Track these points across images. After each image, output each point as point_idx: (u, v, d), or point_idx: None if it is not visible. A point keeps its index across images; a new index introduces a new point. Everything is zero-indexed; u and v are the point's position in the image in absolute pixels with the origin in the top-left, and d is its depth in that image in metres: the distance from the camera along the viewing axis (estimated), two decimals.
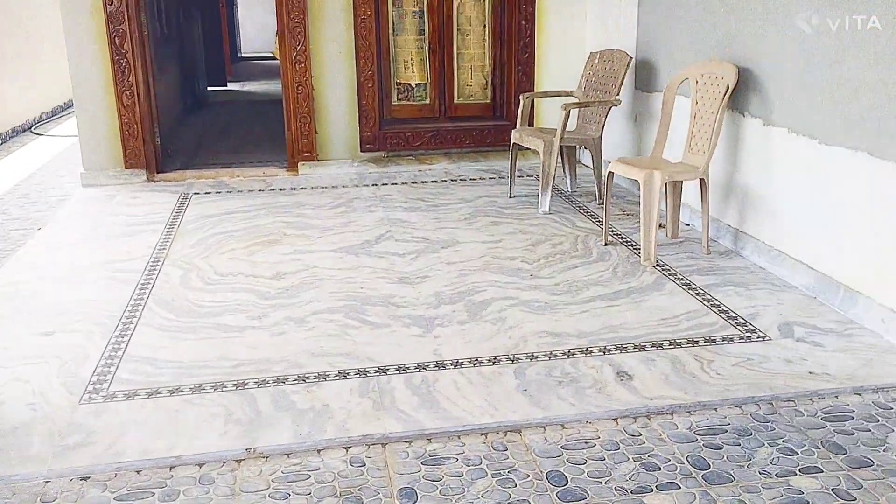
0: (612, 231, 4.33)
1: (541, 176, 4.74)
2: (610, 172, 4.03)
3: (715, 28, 4.07)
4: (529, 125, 5.25)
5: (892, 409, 2.50)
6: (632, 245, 4.15)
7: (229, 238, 4.38)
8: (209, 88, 10.13)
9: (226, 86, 11.20)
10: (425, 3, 5.87)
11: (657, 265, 3.80)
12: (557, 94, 5.26)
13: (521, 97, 5.12)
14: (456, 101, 6.13)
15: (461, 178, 5.72)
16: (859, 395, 2.58)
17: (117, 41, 5.35)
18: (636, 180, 3.96)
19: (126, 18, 5.33)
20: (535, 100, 5.78)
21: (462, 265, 3.91)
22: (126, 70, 5.41)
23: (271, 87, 11.50)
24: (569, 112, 4.62)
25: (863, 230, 3.07)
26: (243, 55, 15.75)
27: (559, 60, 5.94)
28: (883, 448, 2.29)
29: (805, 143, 3.39)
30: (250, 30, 16.68)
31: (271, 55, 15.79)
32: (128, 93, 5.45)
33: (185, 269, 3.89)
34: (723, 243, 4.08)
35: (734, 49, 3.88)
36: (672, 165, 3.94)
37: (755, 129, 3.75)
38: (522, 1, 5.76)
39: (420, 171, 5.93)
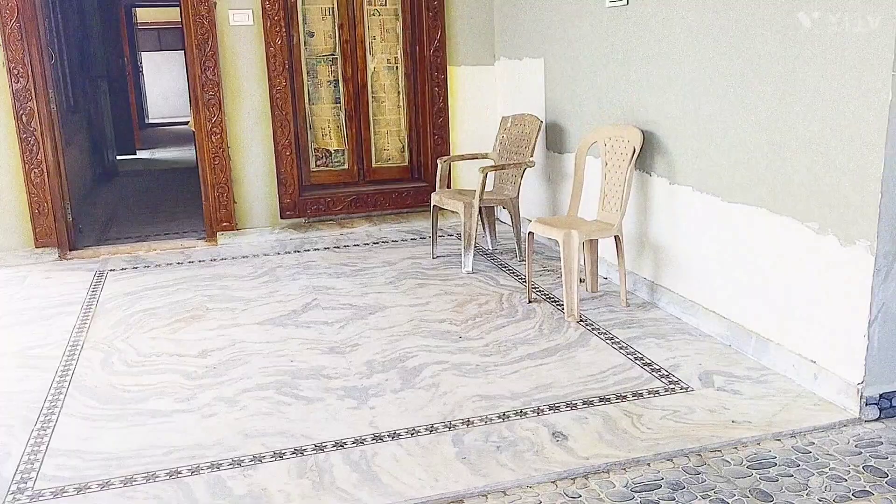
0: (535, 288, 4.46)
1: (462, 237, 4.86)
2: (530, 232, 4.17)
3: (618, 95, 4.32)
4: (448, 187, 5.38)
5: (809, 452, 2.66)
6: (555, 301, 4.28)
7: (150, 316, 4.28)
8: (119, 157, 9.93)
9: (135, 154, 11.00)
10: (340, 72, 5.99)
11: (581, 320, 3.94)
12: (474, 156, 5.43)
13: (438, 161, 5.26)
14: (374, 164, 6.23)
15: (383, 240, 5.78)
16: (779, 440, 2.74)
17: (25, 119, 5.22)
18: (546, 237, 4.11)
19: (33, 95, 5.22)
20: (453, 162, 5.94)
21: (391, 331, 3.94)
22: (34, 148, 5.27)
23: (181, 153, 11.37)
24: (486, 175, 4.77)
25: (767, 281, 3.29)
26: (151, 121, 15.51)
27: (472, 123, 6.14)
28: (805, 492, 2.42)
29: (709, 200, 3.62)
30: (157, 96, 16.48)
31: (179, 121, 15.62)
32: (37, 170, 5.31)
33: (105, 352, 3.77)
34: (640, 295, 4.26)
35: (638, 114, 4.13)
36: (588, 224, 4.12)
37: (663, 188, 3.98)
38: (434, 69, 5.96)
39: (342, 235, 5.97)
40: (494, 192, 5.11)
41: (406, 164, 6.29)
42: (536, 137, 4.96)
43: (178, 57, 16.53)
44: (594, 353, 3.55)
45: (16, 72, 5.15)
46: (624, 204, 3.99)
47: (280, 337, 3.92)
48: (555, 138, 5.18)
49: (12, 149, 5.25)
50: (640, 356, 3.48)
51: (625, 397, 3.08)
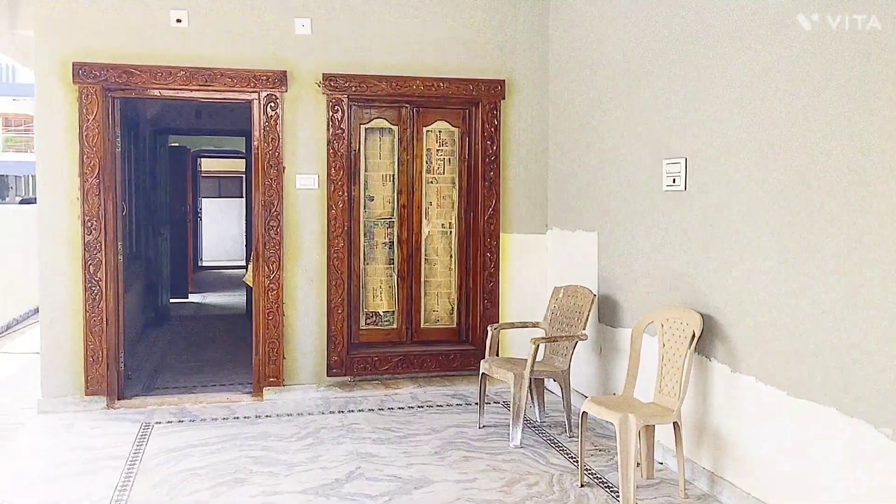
0: (588, 471, 4.30)
1: (511, 409, 4.77)
2: (583, 412, 4.08)
3: (676, 276, 4.34)
4: (496, 354, 5.35)
5: None
6: (608, 486, 4.11)
7: (193, 477, 4.20)
8: (172, 300, 10.17)
9: (187, 297, 11.26)
10: (395, 234, 6.16)
11: None
12: (524, 325, 5.44)
13: (489, 328, 5.27)
14: (423, 325, 6.26)
15: (428, 404, 5.70)
16: None
17: (92, 269, 5.42)
18: (611, 422, 4.01)
19: (103, 247, 5.45)
20: (502, 329, 5.94)
21: None
22: (97, 297, 5.44)
23: (230, 298, 11.61)
24: (538, 346, 4.75)
25: (835, 486, 3.12)
26: (204, 264, 16.00)
27: (522, 290, 6.19)
28: None
29: (773, 392, 3.52)
30: (212, 239, 17.10)
31: (231, 265, 16.09)
32: (96, 319, 5.44)
33: None
34: (699, 486, 4.07)
35: (697, 296, 4.13)
36: (645, 407, 4.02)
37: (723, 375, 3.90)
38: (487, 235, 6.10)
39: (387, 395, 5.91)
40: (545, 363, 5.06)
41: (454, 325, 6.31)
42: (589, 311, 4.97)
43: (233, 204, 17.31)
44: None
45: (90, 224, 5.40)
46: (683, 389, 3.90)
47: None
48: (608, 312, 5.18)
49: (77, 297, 5.42)
50: None
51: None
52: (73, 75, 5.34)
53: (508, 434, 4.92)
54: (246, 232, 10.47)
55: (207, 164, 15.92)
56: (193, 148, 12.29)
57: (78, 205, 5.40)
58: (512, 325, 5.40)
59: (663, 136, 4.49)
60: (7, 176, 33.74)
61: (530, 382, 4.90)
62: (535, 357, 4.74)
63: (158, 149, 9.11)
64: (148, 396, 5.77)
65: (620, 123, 5.00)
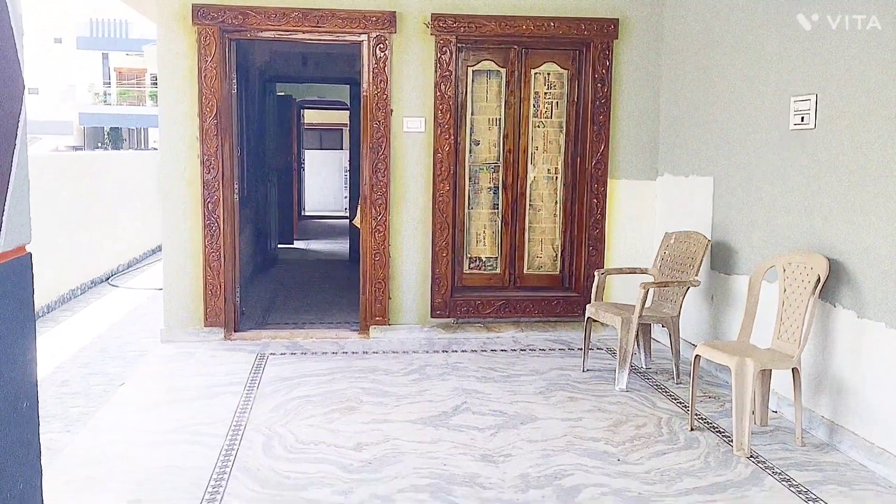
0: (698, 415, 4.22)
1: (618, 353, 4.72)
2: (697, 356, 3.99)
3: (799, 220, 4.15)
4: (600, 300, 5.28)
5: None
6: (719, 431, 4.02)
7: (307, 403, 4.38)
8: (278, 246, 10.53)
9: (292, 244, 11.63)
10: (500, 180, 6.14)
11: (751, 456, 3.66)
12: (632, 270, 5.34)
13: (596, 272, 5.20)
14: (526, 271, 6.24)
15: (531, 347, 5.72)
16: None
17: (210, 207, 5.66)
18: (716, 362, 3.91)
19: (220, 186, 5.66)
20: (608, 275, 5.85)
21: (544, 444, 3.82)
22: (215, 234, 5.68)
23: (334, 245, 11.91)
24: (647, 291, 4.66)
25: None
26: (307, 214, 16.45)
27: (628, 237, 6.07)
28: None
29: None
30: (313, 191, 17.53)
31: (331, 215, 16.47)
32: (215, 255, 5.69)
33: (266, 436, 3.87)
34: (816, 434, 3.94)
35: (823, 241, 3.93)
36: (763, 353, 3.89)
37: (848, 322, 3.72)
38: (594, 181, 5.99)
39: (489, 338, 5.96)
40: (653, 310, 4.96)
41: (557, 272, 6.27)
42: (703, 257, 4.83)
43: (334, 156, 17.65)
44: (769, 494, 3.27)
45: (208, 163, 5.62)
46: (805, 335, 3.75)
47: (432, 438, 3.89)
48: (721, 259, 5.02)
49: (197, 233, 5.68)
50: None
51: None
52: (192, 17, 5.51)
53: (613, 378, 4.88)
54: (350, 181, 10.64)
55: (309, 117, 16.26)
56: (298, 98, 12.55)
57: (197, 145, 5.62)
58: (620, 271, 5.31)
59: (791, 71, 4.25)
60: (121, 129, 35.48)
61: (638, 328, 4.83)
62: (643, 302, 4.65)
63: (267, 97, 9.35)
64: (261, 330, 6.03)
65: (742, 61, 4.77)
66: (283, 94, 11.35)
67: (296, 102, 12.32)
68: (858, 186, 3.68)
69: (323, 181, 17.84)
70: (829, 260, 3.78)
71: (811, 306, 3.76)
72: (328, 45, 7.48)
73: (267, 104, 9.41)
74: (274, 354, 5.41)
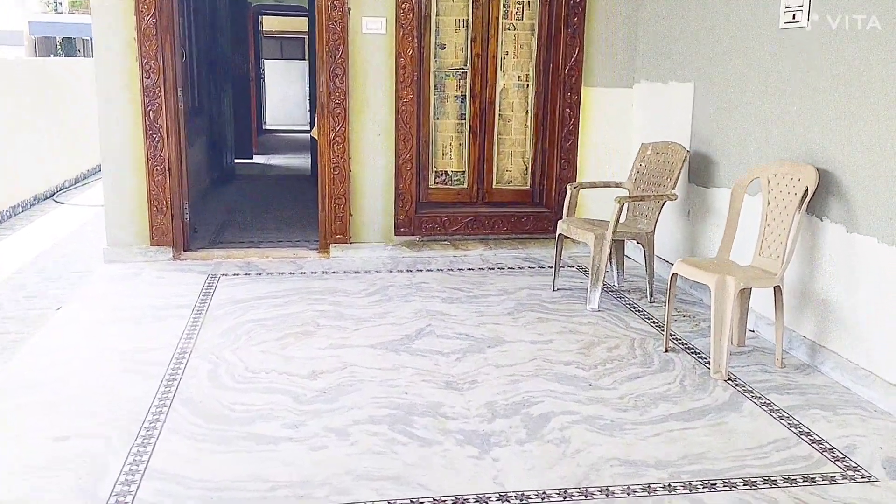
0: (672, 336, 4.02)
1: (590, 271, 4.47)
2: (673, 274, 3.75)
3: (786, 128, 3.85)
4: (573, 214, 5.00)
5: None
6: (695, 352, 3.83)
7: (260, 328, 4.09)
8: (236, 160, 10.03)
9: (252, 159, 11.12)
10: (468, 88, 5.73)
11: (728, 379, 3.48)
12: (606, 184, 5.04)
13: (568, 186, 4.90)
14: (494, 186, 5.92)
15: (499, 266, 5.46)
16: None
17: (152, 115, 5.19)
18: (694, 280, 3.68)
19: (162, 92, 5.19)
20: (581, 189, 5.56)
21: (512, 369, 3.60)
22: (159, 145, 5.24)
23: (296, 161, 11.43)
24: (622, 205, 4.38)
25: None
26: (268, 127, 15.80)
27: (603, 149, 5.75)
28: None
29: None
30: (275, 103, 16.80)
31: (294, 129, 15.84)
32: (159, 168, 5.27)
33: (213, 364, 3.59)
34: (796, 355, 3.76)
35: (812, 150, 3.65)
36: (744, 270, 3.66)
37: (836, 236, 3.48)
38: (567, 89, 5.61)
39: (455, 257, 5.68)
40: (628, 225, 4.70)
41: (528, 187, 5.95)
42: (681, 169, 4.53)
43: (296, 66, 16.84)
44: (750, 420, 3.09)
45: (147, 67, 5.13)
46: (789, 251, 3.51)
47: (393, 364, 3.64)
48: (700, 171, 4.73)
49: (137, 144, 5.23)
50: (807, 431, 3.00)
51: (794, 481, 2.62)
52: None
53: (585, 297, 4.65)
54: (310, 93, 10.02)
55: (269, 23, 15.39)
56: (254, 2, 11.79)
57: (135, 46, 5.11)
58: (593, 185, 5.00)
59: None
60: (74, 39, 33.78)
61: (611, 244, 4.57)
62: (618, 217, 4.38)
63: (217, 0, 8.68)
64: (214, 249, 5.67)
65: None
66: None
67: (252, 7, 11.57)
68: (852, 91, 3.37)
69: (284, 93, 17.09)
70: (818, 170, 3.50)
71: (797, 221, 3.51)
72: None
73: (219, 7, 8.75)
74: (227, 276, 5.09)
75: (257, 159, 11.38)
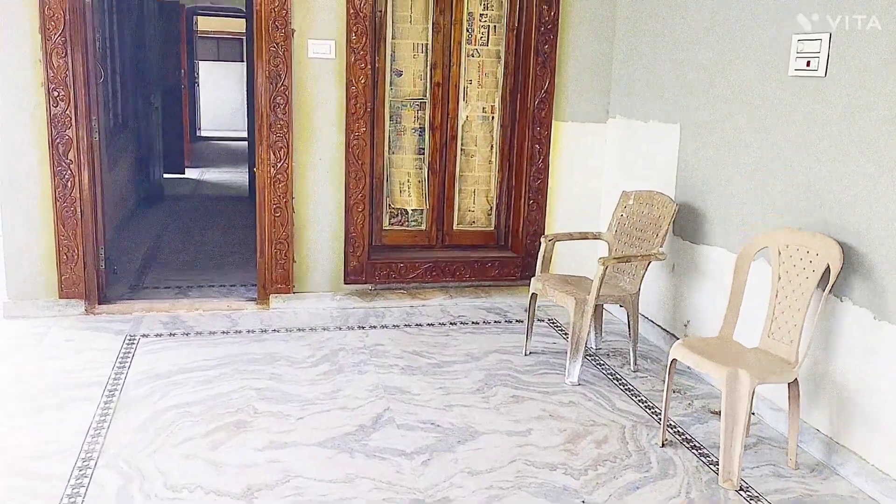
0: (669, 426, 3.51)
1: (570, 340, 3.94)
2: (673, 359, 3.24)
3: (796, 186, 3.39)
4: (547, 269, 4.47)
5: None
6: (695, 447, 3.34)
7: (185, 417, 3.43)
8: (166, 176, 9.22)
9: (183, 173, 10.30)
10: (427, 119, 5.14)
11: (741, 488, 2.99)
12: (584, 236, 4.53)
13: (542, 240, 4.36)
14: (456, 227, 5.36)
15: (462, 319, 4.90)
16: None
17: (61, 149, 4.46)
18: (697, 370, 3.19)
19: (73, 122, 4.45)
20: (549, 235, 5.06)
21: (490, 477, 3.03)
22: (69, 183, 4.50)
23: (232, 175, 10.67)
24: (606, 268, 3.87)
25: None
26: (203, 134, 14.91)
27: (575, 189, 5.25)
28: None
29: None
30: (211, 107, 15.90)
31: (232, 136, 14.97)
32: (69, 209, 4.53)
33: (125, 477, 2.92)
34: (808, 450, 3.30)
35: (827, 215, 3.19)
36: (752, 356, 3.17)
37: (860, 321, 3.03)
38: (536, 123, 5.08)
39: (413, 307, 5.10)
40: (609, 284, 4.19)
41: (492, 229, 5.41)
42: (669, 225, 4.05)
43: (235, 68, 15.96)
44: None
45: (56, 93, 4.39)
46: (807, 341, 3.05)
47: (346, 473, 3.03)
48: (687, 224, 4.26)
49: (43, 183, 4.49)
50: None
51: None
52: None
53: (561, 365, 4.14)
54: (248, 98, 9.20)
55: (204, 24, 14.53)
56: (188, 4, 10.96)
57: (40, 69, 4.37)
58: (570, 237, 4.48)
59: (797, 1, 3.41)
60: None
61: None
62: (602, 280, 3.86)
63: (145, 4, 7.88)
64: (134, 300, 4.95)
65: None
66: None
67: (185, 9, 10.74)
68: (877, 150, 2.92)
69: (222, 96, 16.18)
70: (841, 246, 3.04)
71: (816, 305, 3.05)
72: None
73: (146, 13, 7.95)
74: (148, 336, 4.39)
75: (190, 174, 10.58)
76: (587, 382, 3.99)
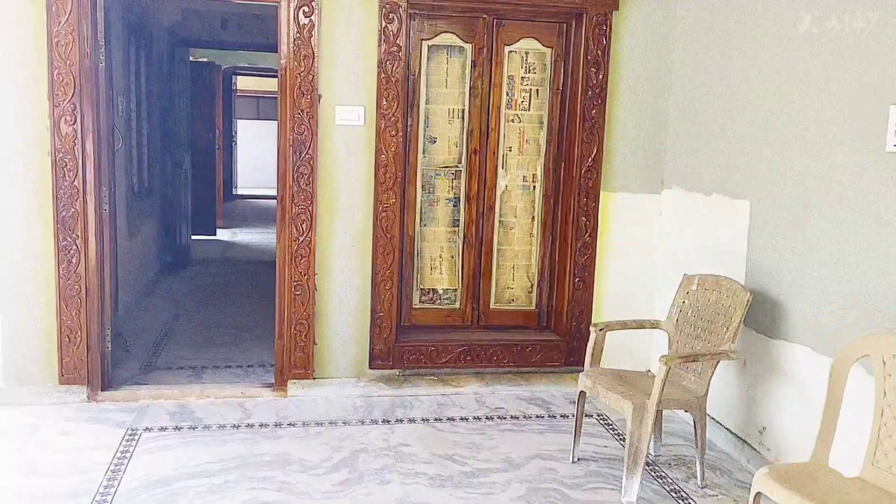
0: None
1: (627, 452, 3.39)
2: (757, 493, 2.68)
3: None
4: (597, 362, 3.93)
5: None
6: None
7: None
8: (195, 237, 8.94)
9: (215, 234, 10.03)
10: (462, 189, 4.72)
11: None
12: (640, 325, 4.01)
13: (592, 329, 3.84)
14: (493, 306, 4.87)
15: (500, 413, 4.37)
16: None
17: (66, 223, 4.12)
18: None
19: (81, 193, 4.12)
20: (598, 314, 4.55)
21: None
22: (74, 259, 4.15)
23: (265, 237, 10.38)
24: (669, 369, 3.33)
25: None
26: (239, 192, 14.77)
27: (625, 267, 4.74)
28: None
29: None
30: (249, 165, 15.80)
31: (269, 195, 14.81)
32: (74, 287, 4.17)
33: None
34: None
35: None
36: (859, 494, 2.60)
37: None
38: (583, 193, 4.62)
39: (444, 396, 4.59)
40: (672, 384, 3.64)
41: (533, 308, 4.91)
42: (742, 316, 3.51)
43: (273, 127, 15.90)
44: None
45: (63, 164, 4.07)
46: None
47: None
48: (760, 313, 3.71)
49: (45, 259, 4.14)
50: None
51: None
52: None
53: (615, 477, 3.59)
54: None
55: (244, 83, 14.54)
56: (225, 65, 10.87)
57: (47, 138, 4.06)
58: (624, 326, 3.95)
59: (891, 63, 2.92)
60: None
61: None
62: (664, 382, 3.33)
63: (177, 64, 7.70)
64: (141, 386, 4.53)
65: (804, 45, 3.42)
66: (205, 59, 9.68)
67: (220, 70, 10.64)
68: None
69: (259, 155, 16.09)
70: None
71: None
72: (249, 4, 5.95)
73: (177, 73, 7.76)
74: (151, 431, 3.95)
75: (221, 234, 10.30)
76: (645, 499, 3.42)
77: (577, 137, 4.59)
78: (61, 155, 4.08)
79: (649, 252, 4.73)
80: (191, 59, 8.41)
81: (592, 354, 3.81)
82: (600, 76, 4.53)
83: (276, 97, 4.41)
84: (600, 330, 3.83)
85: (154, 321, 5.95)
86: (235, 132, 14.37)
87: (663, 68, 4.60)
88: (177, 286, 7.23)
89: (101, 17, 4.19)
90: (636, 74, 4.59)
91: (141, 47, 6.45)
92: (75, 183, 4.11)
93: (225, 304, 6.67)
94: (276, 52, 4.32)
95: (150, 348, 5.30)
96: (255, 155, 15.92)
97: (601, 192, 4.66)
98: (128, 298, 5.90)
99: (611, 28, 4.51)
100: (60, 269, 4.15)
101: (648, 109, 4.63)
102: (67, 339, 4.21)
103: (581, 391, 3.73)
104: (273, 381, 4.57)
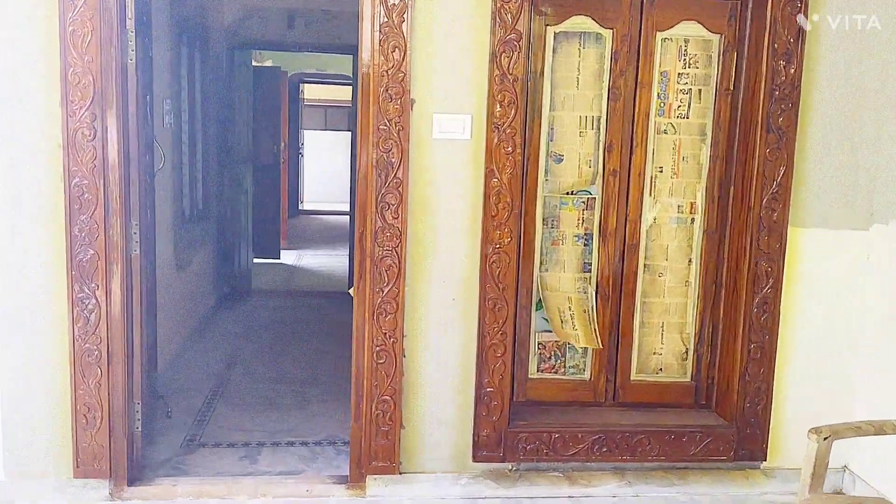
0: None
1: None
2: None
3: None
4: (821, 484, 2.71)
5: None
6: None
7: None
8: (257, 261, 8.00)
9: (278, 257, 9.09)
10: (596, 223, 3.57)
11: None
12: (880, 430, 2.76)
13: (811, 437, 2.62)
14: (634, 377, 3.70)
15: None
16: None
17: (83, 268, 3.14)
18: None
19: (102, 231, 3.14)
20: (777, 406, 3.35)
21: None
22: (93, 316, 3.16)
23: (331, 260, 9.40)
24: None
25: None
26: (305, 207, 13.90)
27: (823, 329, 3.51)
28: None
29: None
30: (316, 177, 14.92)
31: (337, 210, 13.91)
32: (93, 353, 3.18)
33: None
34: None
35: None
36: None
37: None
38: (763, 228, 3.41)
39: (572, 500, 3.45)
40: None
41: (688, 380, 3.72)
42: None
43: (342, 136, 15.01)
44: None
45: (78, 190, 3.10)
46: None
47: None
48: None
49: (56, 317, 3.16)
50: None
51: None
52: None
53: None
54: (351, 176, 7.65)
55: (311, 91, 13.69)
56: (291, 70, 9.99)
57: (59, 155, 3.09)
58: (858, 432, 2.72)
59: None
60: None
61: None
62: None
63: (237, 69, 6.78)
64: (179, 479, 3.51)
65: None
66: (269, 64, 8.80)
67: (286, 76, 9.75)
68: None
69: (327, 167, 15.20)
70: None
71: None
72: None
73: (238, 78, 6.84)
74: None
75: (285, 257, 9.35)
76: None
77: (757, 154, 3.38)
78: (77, 180, 3.10)
79: (857, 310, 3.49)
80: (253, 63, 7.50)
81: (813, 474, 2.60)
82: (791, 71, 3.32)
83: (347, 106, 3.37)
84: (825, 438, 2.61)
85: (203, 373, 4.98)
86: (302, 144, 13.53)
87: (883, 60, 3.36)
88: (232, 325, 6.26)
89: (130, 4, 3.21)
90: (842, 70, 3.37)
91: (195, 48, 5.52)
92: (94, 216, 3.12)
93: (288, 349, 5.67)
94: (350, 54, 3.31)
95: (196, 414, 4.31)
96: (322, 167, 15.05)
97: (788, 228, 3.44)
98: (172, 347, 4.95)
99: (807, 7, 3.30)
100: (76, 328, 3.17)
101: (857, 119, 3.40)
102: (84, 420, 3.22)
103: None
104: (347, 474, 3.49)
